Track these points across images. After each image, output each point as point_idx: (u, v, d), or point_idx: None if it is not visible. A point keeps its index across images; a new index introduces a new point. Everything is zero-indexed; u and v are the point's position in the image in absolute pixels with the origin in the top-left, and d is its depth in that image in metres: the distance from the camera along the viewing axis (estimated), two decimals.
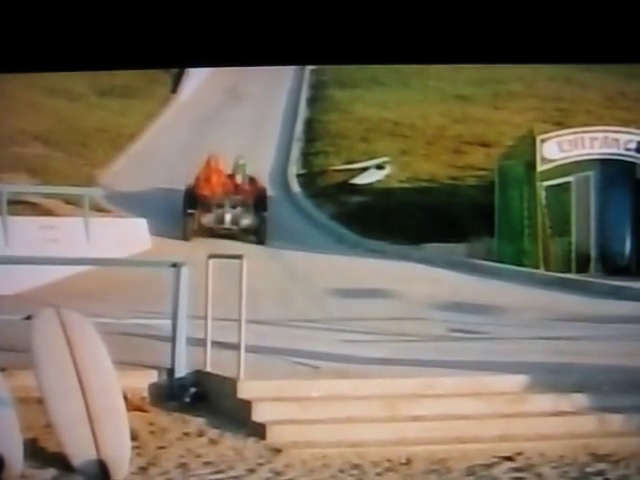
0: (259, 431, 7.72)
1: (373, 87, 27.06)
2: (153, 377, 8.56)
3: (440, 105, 25.88)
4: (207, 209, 19.27)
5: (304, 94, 28.92)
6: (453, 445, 7.64)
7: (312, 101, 28.32)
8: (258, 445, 7.58)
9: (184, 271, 8.78)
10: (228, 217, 19.30)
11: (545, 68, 23.18)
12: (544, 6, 3.49)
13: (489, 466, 7.38)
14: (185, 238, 18.64)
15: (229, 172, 20.26)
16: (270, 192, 21.45)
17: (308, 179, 23.26)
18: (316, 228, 20.61)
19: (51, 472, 7.07)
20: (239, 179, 20.01)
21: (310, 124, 26.47)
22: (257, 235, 18.89)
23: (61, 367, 7.55)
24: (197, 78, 29.34)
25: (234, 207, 19.36)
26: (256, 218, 19.16)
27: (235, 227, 19.16)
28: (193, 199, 19.31)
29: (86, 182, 19.95)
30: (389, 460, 7.43)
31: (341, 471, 7.29)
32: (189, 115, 27.05)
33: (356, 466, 7.37)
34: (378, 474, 7.26)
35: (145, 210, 19.66)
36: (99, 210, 18.69)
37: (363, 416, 8.01)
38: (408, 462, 7.42)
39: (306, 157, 24.44)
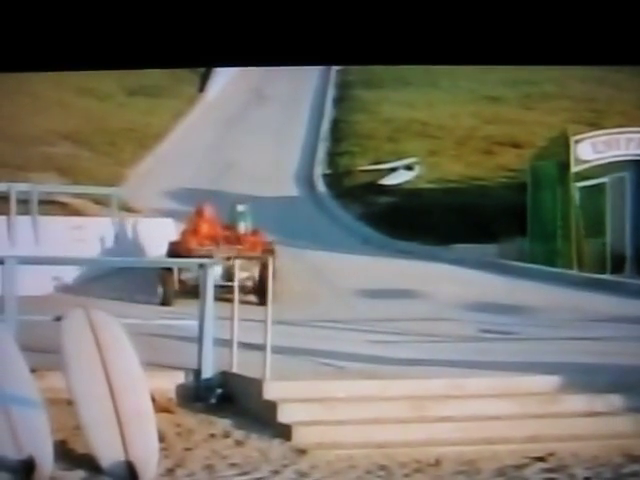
0: (284, 432, 7.75)
1: (401, 87, 27.05)
2: (180, 378, 8.62)
3: (470, 106, 25.86)
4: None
5: (330, 94, 28.98)
6: (483, 446, 7.63)
7: (338, 101, 28.37)
8: (283, 446, 7.61)
9: (211, 272, 8.82)
10: (218, 271, 14.18)
11: (577, 69, 23.14)
12: (578, 9, 3.48)
13: (520, 467, 7.37)
14: (165, 302, 14.32)
15: (226, 222, 16.21)
16: (296, 192, 21.43)
17: (334, 179, 23.31)
18: (342, 228, 20.62)
19: (80, 474, 7.13)
20: (242, 228, 15.87)
21: (336, 124, 26.52)
22: (258, 294, 13.95)
23: (90, 368, 7.61)
24: (223, 78, 29.45)
25: (228, 259, 14.49)
26: (259, 272, 14.47)
27: (229, 283, 14.48)
28: (174, 255, 15.00)
29: (114, 182, 20.08)
30: (417, 461, 7.43)
31: (368, 472, 7.30)
32: (215, 115, 27.16)
33: (383, 467, 7.36)
34: (406, 475, 7.25)
35: (172, 210, 19.76)
36: (127, 210, 18.79)
37: (390, 417, 8.01)
38: (437, 463, 7.41)
39: (332, 157, 24.49)
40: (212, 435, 7.86)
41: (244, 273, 13.83)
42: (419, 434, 7.80)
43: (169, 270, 14.73)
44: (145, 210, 19.75)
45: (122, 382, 7.57)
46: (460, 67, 21.80)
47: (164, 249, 15.90)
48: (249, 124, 26.04)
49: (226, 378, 8.63)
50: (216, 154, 23.57)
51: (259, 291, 13.76)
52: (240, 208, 16.08)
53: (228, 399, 8.46)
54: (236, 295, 8.98)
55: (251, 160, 22.64)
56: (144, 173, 22.70)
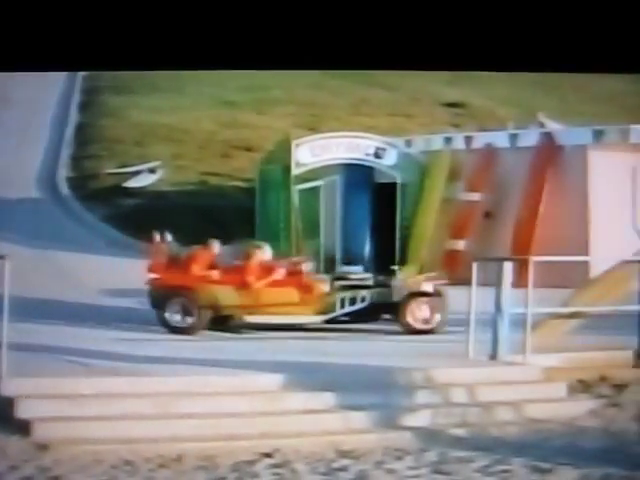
0: (24, 428, 7.47)
1: (149, 93, 26.81)
2: None
3: (211, 110, 26.00)
4: None
5: (76, 99, 28.31)
6: (221, 442, 7.68)
7: (85, 106, 27.72)
8: (23, 442, 7.32)
9: None
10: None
11: (302, 75, 23.66)
12: (289, 14, 3.55)
13: (251, 463, 7.43)
14: None
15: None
16: (39, 194, 20.83)
17: (79, 182, 22.85)
18: (87, 230, 20.25)
19: None
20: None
21: (82, 129, 25.95)
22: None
23: None
24: None
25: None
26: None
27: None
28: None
29: None
30: (161, 456, 7.39)
31: (113, 467, 7.18)
32: None
33: (129, 462, 7.29)
34: (150, 470, 7.21)
35: None
36: None
37: (136, 413, 7.94)
38: (179, 459, 7.40)
39: (77, 161, 23.99)
40: None
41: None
42: (163, 430, 7.78)
43: None
44: None
45: None
46: (204, 72, 21.46)
47: None
48: None
49: None
50: None
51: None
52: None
53: None
54: None
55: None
56: None
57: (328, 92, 26.62)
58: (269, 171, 18.79)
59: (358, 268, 13.24)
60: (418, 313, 11.61)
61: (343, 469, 7.40)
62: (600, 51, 3.56)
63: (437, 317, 11.76)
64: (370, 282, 12.19)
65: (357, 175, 18.22)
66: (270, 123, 24.42)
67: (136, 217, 20.50)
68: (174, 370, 8.87)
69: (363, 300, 11.86)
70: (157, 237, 12.82)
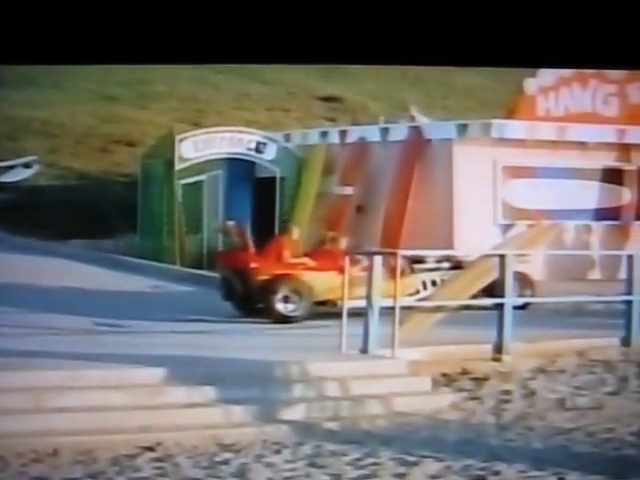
0: None
1: (23, 87, 26.14)
2: None
3: (89, 105, 25.55)
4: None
5: None
6: (99, 436, 7.67)
7: None
8: None
9: None
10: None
11: (185, 70, 23.56)
12: (169, 8, 3.47)
13: (132, 456, 7.45)
14: None
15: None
16: None
17: None
18: None
19: None
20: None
21: None
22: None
23: None
24: None
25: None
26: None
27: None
28: None
29: None
30: (35, 451, 7.34)
31: None
32: None
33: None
34: (23, 465, 7.14)
35: None
36: None
37: (7, 407, 7.85)
38: (55, 453, 7.37)
39: None
40: None
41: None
42: (36, 424, 7.71)
43: None
44: None
45: None
46: (82, 67, 21.17)
47: None
48: None
49: None
50: None
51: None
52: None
53: None
54: None
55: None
56: None
57: (211, 87, 26.53)
58: (152, 166, 18.79)
59: (434, 251, 13.51)
60: None
61: (225, 462, 7.46)
62: (463, 45, 3.67)
63: (527, 293, 12.15)
64: (447, 264, 12.50)
65: (239, 170, 18.45)
66: (152, 118, 24.20)
67: (10, 212, 20.06)
68: (47, 364, 8.77)
69: (443, 281, 12.07)
70: (240, 225, 12.83)
